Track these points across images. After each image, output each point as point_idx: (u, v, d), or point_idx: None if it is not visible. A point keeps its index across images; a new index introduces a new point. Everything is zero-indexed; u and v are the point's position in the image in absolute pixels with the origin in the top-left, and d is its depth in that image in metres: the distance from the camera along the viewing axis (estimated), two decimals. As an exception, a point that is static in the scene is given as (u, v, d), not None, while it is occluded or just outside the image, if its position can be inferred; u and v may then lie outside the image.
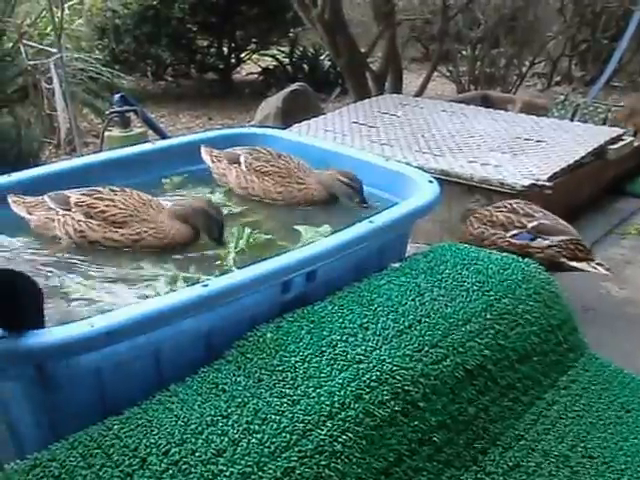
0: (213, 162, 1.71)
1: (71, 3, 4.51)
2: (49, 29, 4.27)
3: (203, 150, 1.73)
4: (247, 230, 1.38)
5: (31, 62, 3.65)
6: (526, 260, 1.43)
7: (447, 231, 2.32)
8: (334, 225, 1.43)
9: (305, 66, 5.51)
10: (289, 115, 3.66)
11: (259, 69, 5.65)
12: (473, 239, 1.75)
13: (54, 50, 3.29)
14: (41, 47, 3.72)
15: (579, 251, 1.73)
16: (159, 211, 1.40)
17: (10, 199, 1.41)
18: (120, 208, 1.35)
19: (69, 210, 1.37)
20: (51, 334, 0.94)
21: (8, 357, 0.79)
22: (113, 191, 1.40)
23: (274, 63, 5.65)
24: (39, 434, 0.98)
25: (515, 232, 1.74)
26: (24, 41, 3.75)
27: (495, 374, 1.19)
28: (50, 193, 1.41)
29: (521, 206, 1.80)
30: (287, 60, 5.61)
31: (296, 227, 1.42)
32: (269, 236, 1.40)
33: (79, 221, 1.34)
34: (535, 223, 1.76)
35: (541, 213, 1.80)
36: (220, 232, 1.38)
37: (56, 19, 3.16)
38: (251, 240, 1.37)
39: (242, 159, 1.66)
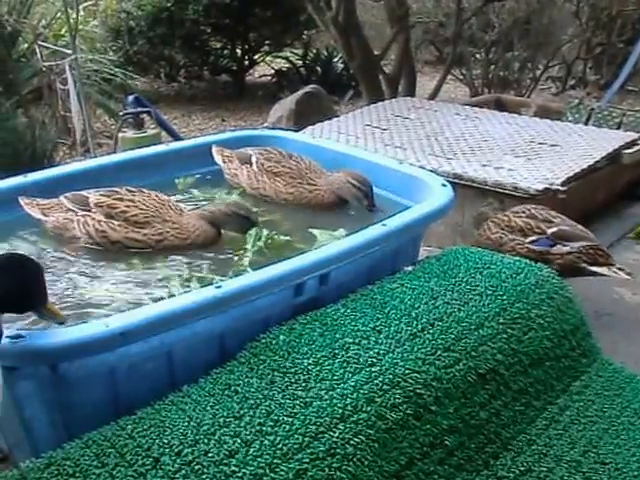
0: (224, 162, 1.72)
1: (85, 5, 4.56)
2: (63, 30, 4.32)
3: (214, 150, 1.74)
4: (265, 232, 1.39)
5: (46, 63, 3.70)
6: (539, 265, 1.43)
7: (460, 234, 2.31)
8: (344, 228, 1.44)
9: (318, 68, 5.52)
10: (302, 117, 3.67)
11: (272, 71, 5.67)
12: (491, 243, 1.74)
13: (69, 51, 3.33)
14: (56, 48, 3.76)
15: (599, 256, 1.72)
16: (179, 212, 1.41)
17: (22, 202, 1.42)
18: (141, 209, 1.37)
19: (89, 211, 1.38)
20: (66, 334, 0.95)
21: (24, 357, 0.81)
22: (131, 192, 1.42)
23: (287, 65, 5.68)
24: (53, 433, 0.99)
25: (534, 238, 1.73)
26: (39, 42, 3.80)
27: (507, 378, 1.18)
28: (66, 194, 1.43)
29: (540, 211, 1.78)
30: (300, 62, 5.63)
31: (311, 230, 1.43)
32: (287, 238, 1.41)
33: (100, 221, 1.36)
34: (554, 229, 1.74)
35: (560, 219, 1.78)
36: (256, 231, 1.40)
37: (71, 21, 3.19)
38: (269, 241, 1.38)
39: (253, 159, 1.67)
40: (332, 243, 1.29)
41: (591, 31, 5.04)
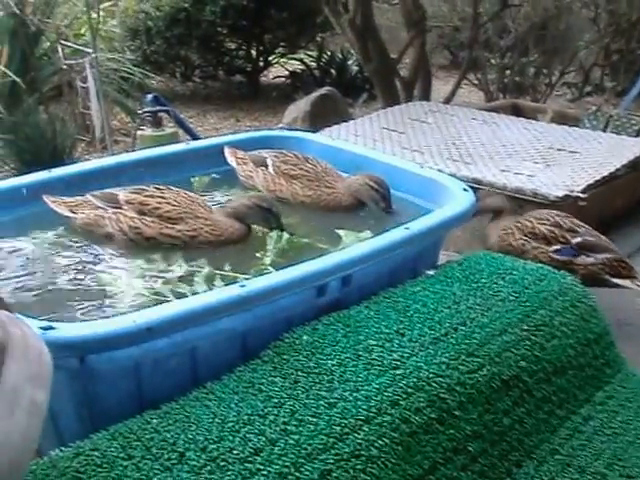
0: (238, 164, 1.72)
1: (105, 5, 4.63)
2: (83, 30, 4.43)
3: (227, 151, 1.74)
4: (285, 235, 1.40)
5: (67, 62, 3.78)
6: (562, 272, 1.42)
7: (477, 239, 2.31)
8: (360, 231, 1.44)
9: (332, 71, 5.55)
10: (317, 119, 3.69)
11: (286, 72, 5.70)
12: (512, 249, 1.73)
13: (89, 50, 3.38)
14: (77, 47, 3.84)
15: (622, 269, 1.71)
16: (208, 209, 1.42)
17: (48, 200, 1.42)
18: (173, 205, 1.38)
19: (119, 208, 1.39)
20: (96, 327, 0.96)
21: (55, 347, 0.82)
22: (159, 189, 1.43)
23: (301, 67, 5.70)
24: (79, 425, 1.01)
25: (558, 247, 1.72)
26: (61, 41, 3.88)
27: (531, 386, 1.18)
28: (93, 192, 1.44)
29: (564, 220, 1.77)
30: (314, 64, 5.65)
31: (337, 231, 1.43)
32: (307, 240, 1.42)
33: (133, 218, 1.37)
34: (579, 239, 1.73)
35: (584, 229, 1.77)
36: (279, 221, 1.41)
37: (92, 20, 3.25)
38: (290, 243, 1.38)
39: (269, 162, 1.67)
40: (355, 245, 1.30)
41: (610, 37, 5.02)
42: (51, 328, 0.93)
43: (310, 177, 1.62)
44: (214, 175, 1.74)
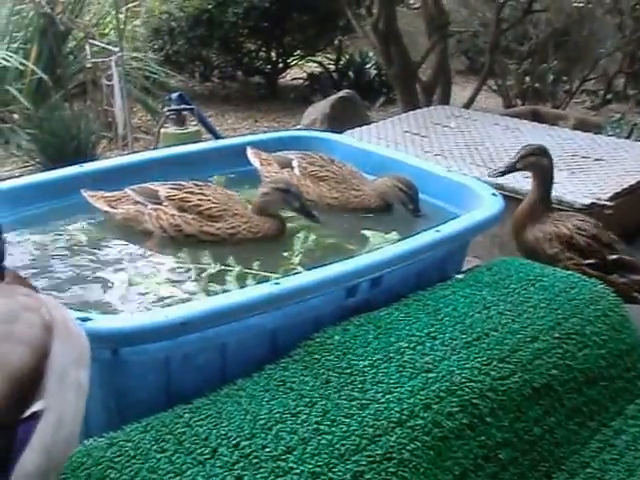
0: (262, 165, 1.71)
1: (129, 6, 4.71)
2: (107, 29, 4.54)
3: (250, 152, 1.73)
4: (312, 235, 1.41)
5: (94, 60, 3.88)
6: (593, 280, 1.41)
7: (498, 246, 2.29)
8: (387, 232, 1.44)
9: (350, 73, 5.56)
10: (336, 121, 3.70)
11: (304, 74, 5.73)
12: (543, 255, 1.68)
13: (115, 49, 3.45)
14: (104, 46, 3.94)
15: None
16: (244, 206, 1.43)
17: (87, 195, 1.43)
18: (213, 202, 1.38)
19: (160, 204, 1.39)
20: (131, 320, 0.97)
21: (91, 339, 0.83)
22: (197, 185, 1.43)
23: (319, 69, 5.73)
24: (106, 416, 1.02)
25: (593, 262, 1.68)
26: (89, 40, 3.99)
27: (562, 395, 1.18)
28: (132, 186, 1.44)
29: (603, 234, 1.73)
30: (333, 67, 5.68)
31: (364, 232, 1.43)
32: (332, 240, 1.42)
33: (173, 215, 1.37)
34: (615, 257, 1.70)
35: (622, 246, 1.74)
36: (300, 200, 1.42)
37: (120, 20, 3.34)
38: (317, 242, 1.39)
39: (295, 163, 1.67)
40: (387, 246, 1.30)
41: (635, 44, 4.99)
42: (88, 319, 0.93)
43: (337, 179, 1.62)
44: (232, 175, 1.73)
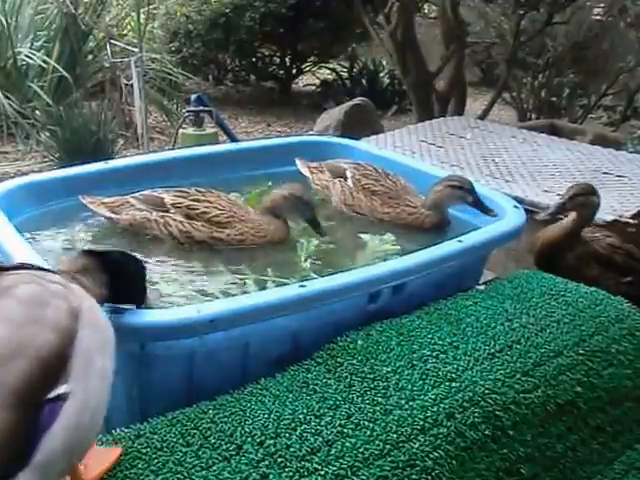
0: (312, 173, 1.75)
1: (147, 8, 4.82)
2: (126, 31, 4.68)
3: (299, 162, 1.78)
4: (314, 240, 1.46)
5: (114, 60, 4.02)
6: (618, 298, 1.44)
7: (513, 259, 2.32)
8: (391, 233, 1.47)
9: (363, 81, 5.65)
10: (348, 128, 3.75)
11: (317, 81, 5.82)
12: (591, 281, 1.67)
13: (135, 49, 3.54)
14: (124, 46, 4.08)
15: None
16: (248, 212, 1.47)
17: (86, 201, 1.45)
18: (219, 209, 1.43)
19: (166, 211, 1.42)
20: (161, 315, 1.01)
21: (121, 332, 0.86)
22: (200, 192, 1.47)
23: (332, 76, 5.82)
24: (129, 407, 1.05)
25: (630, 279, 1.71)
26: (111, 40, 4.13)
27: (585, 413, 1.20)
28: (135, 194, 1.48)
29: (634, 250, 1.76)
30: (346, 74, 5.76)
31: (361, 235, 1.48)
32: (332, 245, 1.47)
33: (181, 222, 1.41)
34: None
35: None
36: (312, 212, 1.46)
37: (140, 21, 3.44)
38: (319, 247, 1.44)
39: (349, 174, 1.69)
40: (410, 254, 1.33)
41: (656, 60, 5.05)
42: (117, 312, 0.97)
43: (391, 194, 1.64)
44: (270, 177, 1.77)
